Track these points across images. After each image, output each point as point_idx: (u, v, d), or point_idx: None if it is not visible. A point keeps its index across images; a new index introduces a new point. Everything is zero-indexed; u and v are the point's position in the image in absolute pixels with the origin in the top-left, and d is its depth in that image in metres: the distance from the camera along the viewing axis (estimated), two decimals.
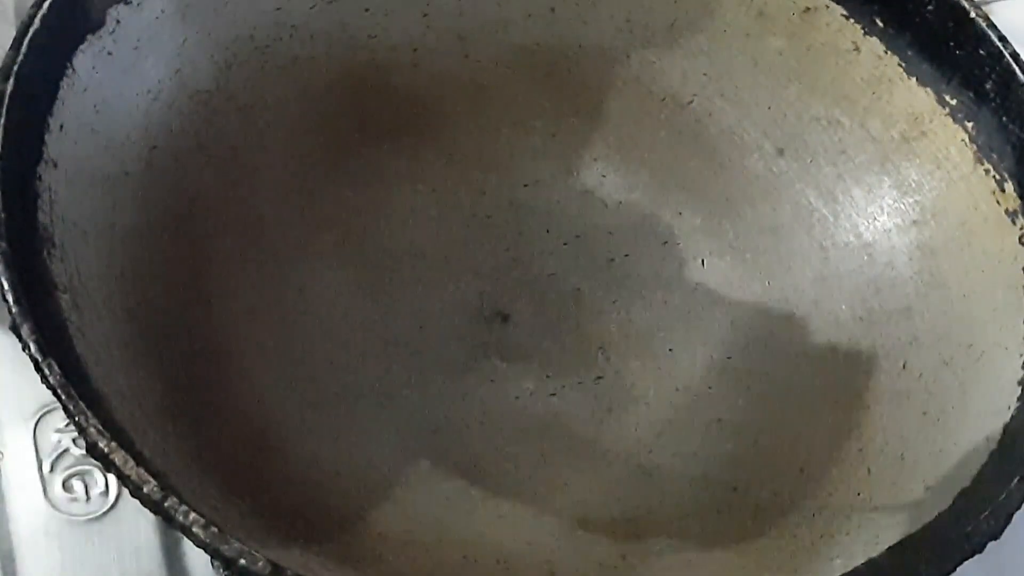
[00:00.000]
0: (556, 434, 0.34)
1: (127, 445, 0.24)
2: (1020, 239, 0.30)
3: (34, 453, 0.32)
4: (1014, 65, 0.31)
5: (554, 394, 0.34)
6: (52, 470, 0.32)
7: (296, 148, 0.34)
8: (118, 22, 0.29)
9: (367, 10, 0.34)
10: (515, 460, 0.33)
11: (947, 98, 0.32)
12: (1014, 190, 0.31)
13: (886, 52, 0.33)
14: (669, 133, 0.36)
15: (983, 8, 0.32)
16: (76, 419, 0.23)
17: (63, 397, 0.23)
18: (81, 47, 0.29)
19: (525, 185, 0.37)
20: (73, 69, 0.28)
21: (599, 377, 0.35)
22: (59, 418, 0.33)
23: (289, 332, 0.33)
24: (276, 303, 0.33)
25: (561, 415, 0.34)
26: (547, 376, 0.34)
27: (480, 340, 0.35)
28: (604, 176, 0.37)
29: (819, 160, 0.35)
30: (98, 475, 0.32)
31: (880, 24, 0.33)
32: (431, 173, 0.36)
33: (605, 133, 0.37)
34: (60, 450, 0.32)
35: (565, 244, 0.37)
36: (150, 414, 0.27)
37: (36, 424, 0.33)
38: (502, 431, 0.33)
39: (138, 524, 0.31)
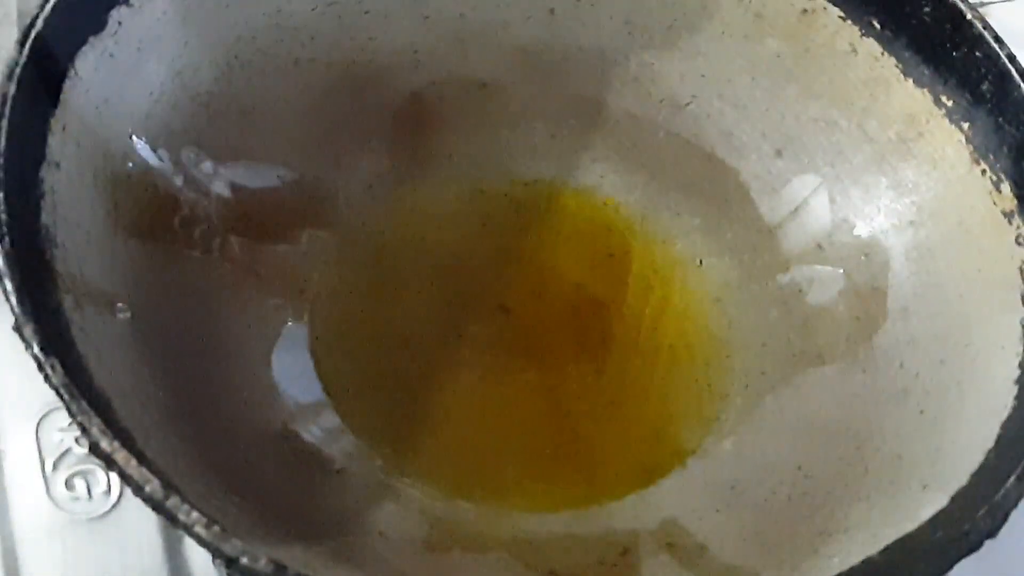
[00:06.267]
0: (556, 428, 0.34)
1: (129, 444, 0.24)
2: (1017, 239, 0.31)
3: (37, 452, 0.32)
4: (1010, 67, 0.31)
5: (554, 387, 0.34)
6: (55, 469, 0.32)
7: (296, 149, 0.35)
8: (120, 24, 0.29)
9: (367, 12, 0.34)
10: (516, 456, 0.33)
11: (944, 99, 0.32)
12: (1010, 191, 0.31)
13: (883, 54, 0.33)
14: (667, 134, 0.37)
15: (980, 10, 0.32)
16: (78, 419, 0.23)
17: (66, 397, 0.24)
18: (83, 48, 0.29)
19: (525, 184, 0.37)
20: (75, 70, 0.28)
21: (599, 371, 0.35)
22: (62, 418, 0.33)
23: (290, 331, 0.33)
24: (277, 303, 0.33)
25: (560, 408, 0.34)
26: (547, 369, 0.35)
27: (480, 334, 0.35)
28: (603, 176, 0.37)
29: (817, 161, 0.35)
30: (100, 474, 0.32)
31: (877, 26, 0.33)
32: (431, 173, 0.37)
33: (604, 134, 0.37)
34: (62, 449, 0.32)
35: (565, 240, 0.37)
36: (152, 413, 0.27)
37: (39, 424, 0.33)
38: (503, 425, 0.34)
39: (140, 523, 0.32)
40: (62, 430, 0.33)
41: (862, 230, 0.34)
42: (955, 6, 0.32)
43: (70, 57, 0.28)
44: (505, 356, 0.35)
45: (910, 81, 0.33)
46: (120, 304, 0.28)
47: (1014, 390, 0.28)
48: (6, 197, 0.25)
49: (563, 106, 0.37)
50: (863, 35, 0.33)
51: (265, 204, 0.34)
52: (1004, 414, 0.28)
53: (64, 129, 0.28)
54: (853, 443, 0.31)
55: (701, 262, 0.36)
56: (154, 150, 0.31)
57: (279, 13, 0.33)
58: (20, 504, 0.32)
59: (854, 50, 0.34)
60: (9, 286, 0.24)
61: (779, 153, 0.35)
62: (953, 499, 0.27)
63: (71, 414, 0.24)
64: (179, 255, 0.31)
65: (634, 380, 0.35)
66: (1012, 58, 0.31)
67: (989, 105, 0.31)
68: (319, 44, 0.34)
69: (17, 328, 0.24)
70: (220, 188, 0.33)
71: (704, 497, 0.32)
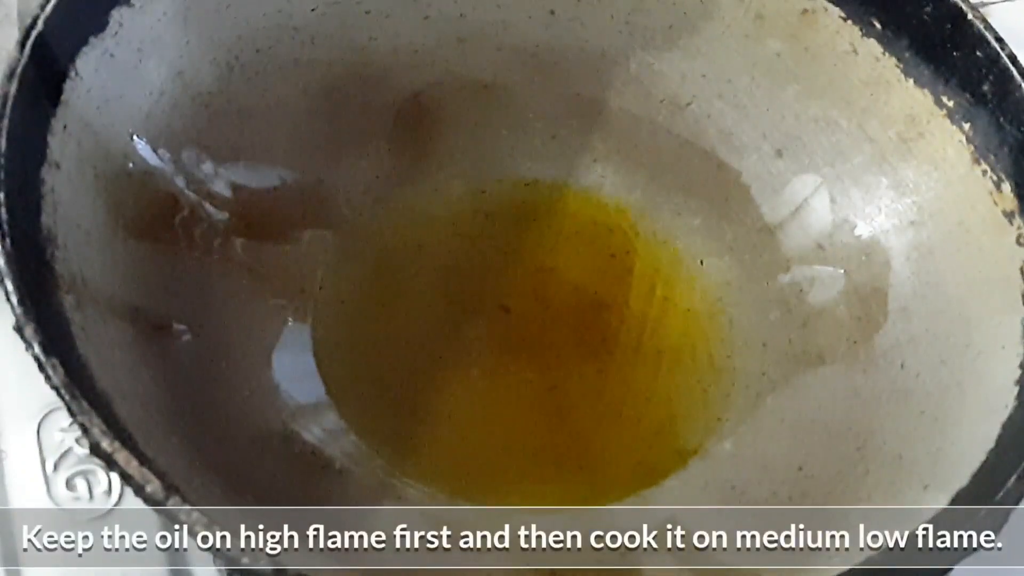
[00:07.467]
0: (556, 427, 0.34)
1: (130, 445, 0.24)
2: (1017, 239, 0.31)
3: (38, 452, 0.32)
4: (1011, 67, 0.31)
5: (555, 387, 0.34)
6: (55, 469, 0.32)
7: (297, 149, 0.35)
8: (121, 24, 0.30)
9: (368, 12, 0.34)
10: (516, 456, 0.33)
11: (944, 99, 0.32)
12: (1011, 191, 0.31)
13: (884, 54, 0.33)
14: (668, 134, 0.37)
15: (981, 10, 0.32)
16: (79, 419, 0.24)
17: (66, 397, 0.24)
18: (84, 49, 0.29)
19: (525, 184, 0.37)
20: (76, 71, 0.28)
21: (600, 371, 0.35)
22: (62, 418, 0.33)
23: (291, 331, 0.33)
24: (278, 303, 0.34)
25: (562, 408, 0.34)
26: (548, 369, 0.35)
27: (481, 334, 0.35)
28: (604, 177, 0.37)
29: (817, 161, 0.35)
30: (101, 474, 0.32)
31: (878, 26, 0.33)
32: (432, 173, 0.37)
33: (605, 134, 0.37)
34: (63, 450, 0.33)
35: (565, 240, 0.37)
36: (153, 414, 0.27)
37: (40, 424, 0.33)
38: (503, 425, 0.34)
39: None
40: (63, 430, 0.33)
41: (863, 230, 0.34)
42: (956, 6, 0.32)
43: (71, 57, 0.28)
44: (506, 356, 0.35)
45: (911, 81, 0.33)
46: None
47: (1014, 390, 0.29)
48: (6, 197, 0.25)
49: (563, 106, 0.37)
50: (864, 35, 0.33)
51: (266, 204, 0.34)
52: (1004, 414, 0.28)
53: (65, 129, 0.28)
54: (853, 443, 0.31)
55: (702, 262, 0.36)
56: (155, 150, 0.31)
57: (279, 13, 0.33)
58: (20, 504, 0.32)
59: (855, 50, 0.34)
60: (9, 286, 0.24)
61: (779, 153, 0.35)
62: (953, 499, 0.27)
63: (72, 414, 0.24)
64: (180, 255, 0.31)
65: (635, 380, 0.35)
66: (1013, 58, 0.31)
67: (990, 105, 0.31)
68: (319, 44, 0.34)
69: (18, 328, 0.24)
70: (221, 188, 0.33)
71: (704, 497, 0.32)
